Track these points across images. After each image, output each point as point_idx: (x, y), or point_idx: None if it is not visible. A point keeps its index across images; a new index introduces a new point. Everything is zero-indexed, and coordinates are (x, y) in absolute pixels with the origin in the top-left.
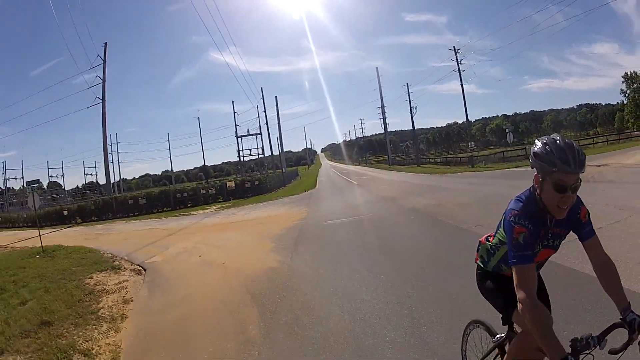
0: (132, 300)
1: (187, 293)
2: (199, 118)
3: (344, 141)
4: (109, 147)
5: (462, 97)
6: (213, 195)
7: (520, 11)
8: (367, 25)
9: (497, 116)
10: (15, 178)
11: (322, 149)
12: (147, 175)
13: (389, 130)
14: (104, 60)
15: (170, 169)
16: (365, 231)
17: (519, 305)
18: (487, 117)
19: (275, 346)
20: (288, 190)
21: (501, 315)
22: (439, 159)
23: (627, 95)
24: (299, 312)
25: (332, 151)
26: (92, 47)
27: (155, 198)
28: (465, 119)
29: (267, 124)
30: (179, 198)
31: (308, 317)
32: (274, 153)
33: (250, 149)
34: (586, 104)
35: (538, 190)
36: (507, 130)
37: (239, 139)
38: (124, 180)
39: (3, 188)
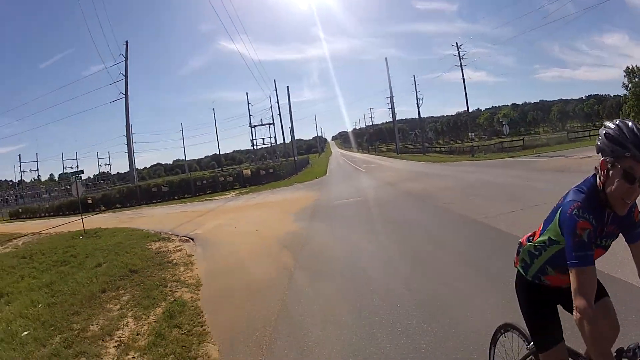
0: (192, 255)
1: (232, 249)
2: (214, 109)
3: (354, 129)
4: (125, 138)
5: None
6: (230, 183)
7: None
8: (378, 12)
9: (507, 105)
10: (30, 170)
11: (333, 136)
12: (158, 164)
13: (399, 118)
14: (126, 58)
15: (182, 158)
16: (366, 207)
17: (576, 315)
18: (497, 105)
19: (301, 268)
20: (300, 177)
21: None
22: (443, 149)
23: (628, 89)
24: (316, 251)
25: (342, 139)
26: (101, 39)
27: (177, 185)
28: (470, 109)
29: (279, 114)
30: (199, 185)
31: (321, 253)
32: (286, 141)
33: (263, 138)
34: (595, 94)
35: (602, 179)
36: (503, 123)
37: (253, 128)
38: (136, 169)
39: (14, 181)
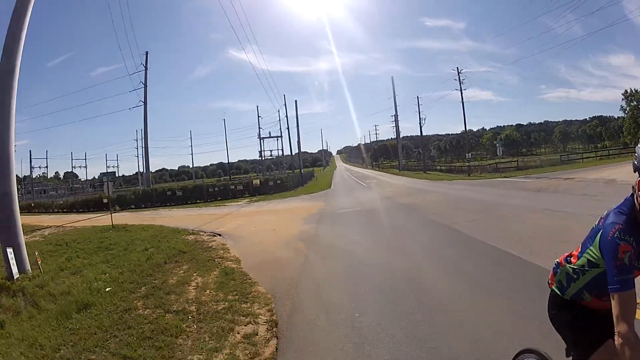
0: (225, 244)
1: (257, 241)
2: (224, 120)
3: (359, 145)
4: (134, 142)
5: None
6: (240, 191)
7: (539, 20)
8: (385, 28)
9: (511, 125)
10: (40, 167)
11: (338, 151)
12: (163, 169)
13: (404, 135)
14: (146, 67)
15: (187, 164)
16: (364, 216)
17: (618, 341)
18: (501, 125)
19: (313, 252)
20: (306, 189)
21: (569, 350)
22: (443, 167)
23: (626, 112)
24: (323, 243)
25: (348, 154)
26: (111, 42)
27: (190, 191)
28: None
29: (287, 128)
30: (210, 192)
31: (327, 244)
32: (293, 153)
33: (271, 150)
34: (599, 116)
35: (639, 199)
36: (497, 145)
37: (261, 140)
38: (141, 174)
39: (20, 177)
